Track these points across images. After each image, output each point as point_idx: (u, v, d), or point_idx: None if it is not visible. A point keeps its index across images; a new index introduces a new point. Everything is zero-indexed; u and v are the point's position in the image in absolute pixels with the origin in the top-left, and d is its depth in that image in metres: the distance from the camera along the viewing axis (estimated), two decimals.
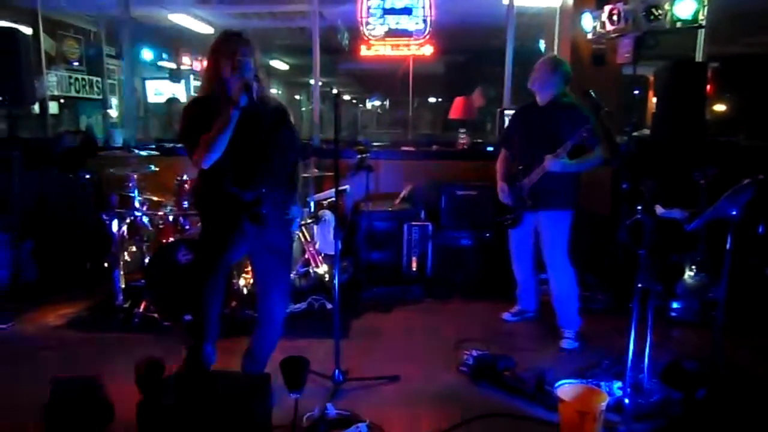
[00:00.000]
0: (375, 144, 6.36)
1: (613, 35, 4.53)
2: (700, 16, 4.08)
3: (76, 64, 8.13)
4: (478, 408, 2.92)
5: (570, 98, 3.69)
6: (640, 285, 2.75)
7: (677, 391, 2.91)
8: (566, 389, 2.70)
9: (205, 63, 2.79)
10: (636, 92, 5.24)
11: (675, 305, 4.13)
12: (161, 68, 10.18)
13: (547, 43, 6.11)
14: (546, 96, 3.70)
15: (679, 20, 4.10)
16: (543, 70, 3.68)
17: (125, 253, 4.37)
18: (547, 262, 3.79)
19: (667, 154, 4.61)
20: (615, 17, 4.41)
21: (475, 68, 10.02)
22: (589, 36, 4.83)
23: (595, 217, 4.71)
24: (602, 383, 2.95)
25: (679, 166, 4.30)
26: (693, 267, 4.12)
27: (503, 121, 5.29)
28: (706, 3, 4.05)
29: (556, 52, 5.55)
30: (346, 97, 15.33)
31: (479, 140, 6.04)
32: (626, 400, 2.76)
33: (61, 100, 7.81)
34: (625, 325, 2.84)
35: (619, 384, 2.93)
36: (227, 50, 2.62)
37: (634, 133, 4.88)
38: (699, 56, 5.50)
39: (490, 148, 5.64)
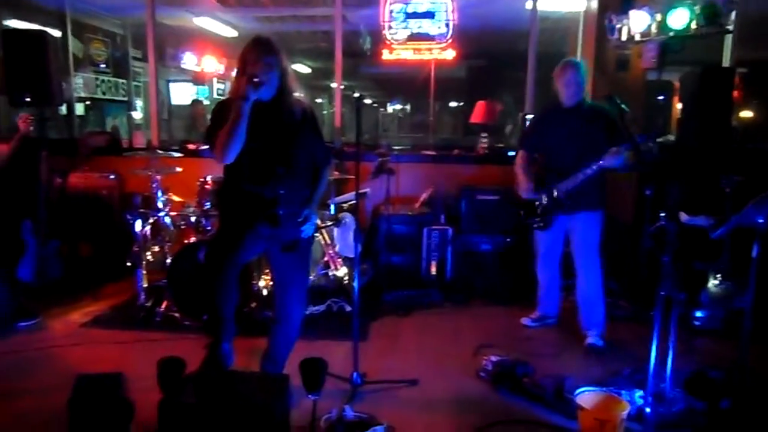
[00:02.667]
0: (396, 147, 6.36)
1: (638, 40, 4.48)
2: (693, 26, 4.03)
3: (102, 66, 8.24)
4: (497, 414, 2.90)
5: (590, 101, 3.66)
6: (663, 293, 2.72)
7: (701, 401, 2.86)
8: (586, 397, 2.67)
9: (224, 65, 2.84)
10: (661, 98, 5.18)
11: (699, 314, 4.06)
12: (185, 71, 10.30)
13: (571, 48, 6.07)
14: (577, 98, 3.67)
15: (671, 30, 4.06)
16: (577, 71, 3.64)
17: (148, 253, 4.42)
18: (579, 263, 3.76)
19: (693, 160, 4.54)
20: (640, 22, 4.37)
21: (498, 72, 9.98)
22: (614, 41, 4.79)
23: (618, 223, 4.66)
24: (623, 391, 2.91)
25: (704, 173, 4.24)
26: (718, 275, 4.05)
27: (525, 126, 5.27)
28: (698, 11, 3.99)
29: (579, 57, 5.51)
30: (368, 101, 15.36)
31: (500, 144, 6.01)
32: (648, 409, 2.73)
33: (87, 102, 7.93)
34: (647, 333, 2.81)
35: (640, 393, 2.89)
36: (251, 57, 2.67)
37: (659, 139, 4.83)
38: (726, 61, 5.42)
39: (511, 153, 5.61)
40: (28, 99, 4.61)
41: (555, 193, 3.73)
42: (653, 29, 4.28)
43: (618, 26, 4.66)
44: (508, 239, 4.85)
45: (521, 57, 5.70)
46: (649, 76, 5.05)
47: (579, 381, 3.02)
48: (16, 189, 4.58)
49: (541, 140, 3.90)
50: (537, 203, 3.84)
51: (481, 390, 3.21)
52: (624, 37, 4.62)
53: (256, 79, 2.57)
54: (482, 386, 3.25)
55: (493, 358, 3.35)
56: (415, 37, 5.89)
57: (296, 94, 2.84)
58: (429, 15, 5.80)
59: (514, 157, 4.47)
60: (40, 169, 4.67)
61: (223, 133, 2.59)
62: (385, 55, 6.00)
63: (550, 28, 7.05)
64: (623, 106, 3.35)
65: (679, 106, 5.21)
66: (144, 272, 4.32)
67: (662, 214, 2.89)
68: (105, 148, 5.68)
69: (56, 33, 6.75)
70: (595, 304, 3.73)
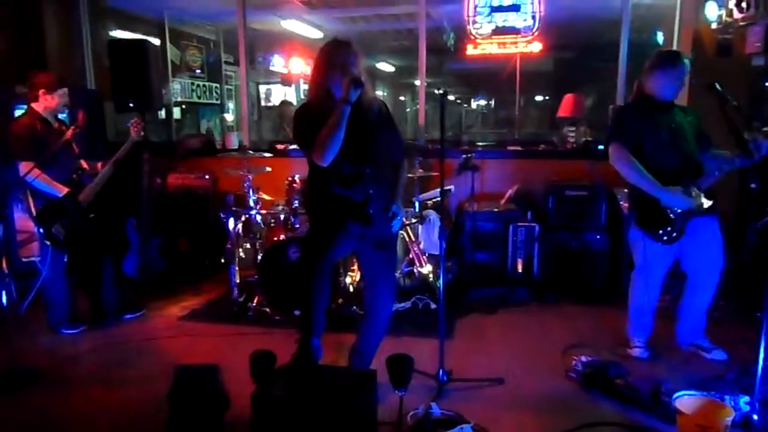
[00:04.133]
0: (480, 143, 6.29)
1: (741, 23, 4.21)
2: None
3: (197, 71, 8.63)
4: (588, 416, 2.81)
5: None
6: None
7: None
8: (686, 401, 2.54)
9: (312, 68, 2.88)
10: None
11: None
12: (274, 73, 10.61)
13: (666, 35, 5.77)
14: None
15: None
16: (686, 65, 3.33)
17: (240, 250, 4.60)
18: (700, 274, 3.42)
19: None
20: (744, 4, 4.11)
21: (586, 64, 9.64)
22: (714, 25, 4.52)
23: (719, 219, 4.39)
24: (727, 397, 2.74)
25: None
26: None
27: (615, 119, 5.06)
28: None
29: (676, 45, 5.24)
30: (451, 97, 15.25)
31: (589, 138, 5.79)
32: (755, 417, 2.57)
33: (183, 106, 8.34)
34: (750, 335, 2.64)
35: (746, 399, 2.70)
36: (337, 60, 2.70)
37: (765, 129, 4.51)
38: None
39: (601, 147, 5.40)
40: (131, 104, 4.92)
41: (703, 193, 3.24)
42: (759, 10, 4.00)
43: (719, 10, 4.40)
44: (598, 236, 4.68)
45: (611, 47, 5.47)
46: (754, 62, 4.72)
47: (677, 384, 2.88)
48: (121, 189, 4.89)
49: (643, 136, 3.34)
50: (668, 208, 3.27)
51: (571, 391, 3.13)
52: (725, 21, 4.35)
53: (359, 82, 2.61)
54: (571, 387, 3.16)
55: (584, 359, 3.25)
56: (500, 31, 5.78)
57: (377, 93, 2.87)
58: (514, 8, 5.67)
59: (603, 150, 4.23)
60: (143, 171, 4.98)
61: (324, 136, 2.62)
62: (470, 50, 5.92)
63: (643, 15, 6.73)
64: (726, 95, 3.16)
65: None
66: (237, 268, 4.51)
67: None
68: (200, 149, 5.96)
69: (156, 41, 7.14)
70: (702, 317, 3.50)
